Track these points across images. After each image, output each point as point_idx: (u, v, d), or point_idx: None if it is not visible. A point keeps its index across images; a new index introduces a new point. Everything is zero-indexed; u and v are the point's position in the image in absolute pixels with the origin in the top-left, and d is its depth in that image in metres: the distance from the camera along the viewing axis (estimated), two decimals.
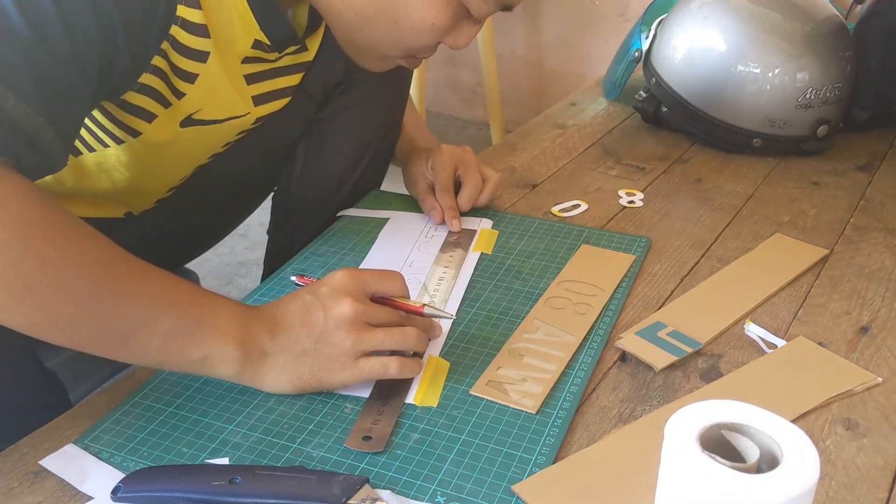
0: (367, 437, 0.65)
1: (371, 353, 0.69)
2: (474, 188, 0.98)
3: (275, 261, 1.18)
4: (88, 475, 0.61)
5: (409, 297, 0.73)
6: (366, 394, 0.70)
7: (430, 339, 0.75)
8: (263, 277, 1.21)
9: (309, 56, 0.89)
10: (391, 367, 0.68)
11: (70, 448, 0.64)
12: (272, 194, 1.11)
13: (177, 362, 0.65)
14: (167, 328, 0.63)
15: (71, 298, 0.59)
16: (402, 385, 0.71)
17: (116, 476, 0.61)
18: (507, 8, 0.77)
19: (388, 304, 0.71)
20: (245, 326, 0.66)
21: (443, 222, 0.96)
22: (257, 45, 0.79)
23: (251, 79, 0.83)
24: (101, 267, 0.61)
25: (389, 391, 0.70)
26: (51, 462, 0.62)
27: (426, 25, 0.74)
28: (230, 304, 0.68)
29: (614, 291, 0.85)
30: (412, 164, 1.02)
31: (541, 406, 0.69)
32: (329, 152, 1.02)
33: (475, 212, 1.00)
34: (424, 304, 0.71)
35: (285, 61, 0.86)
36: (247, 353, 0.66)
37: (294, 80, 0.90)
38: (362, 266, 0.89)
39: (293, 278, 0.81)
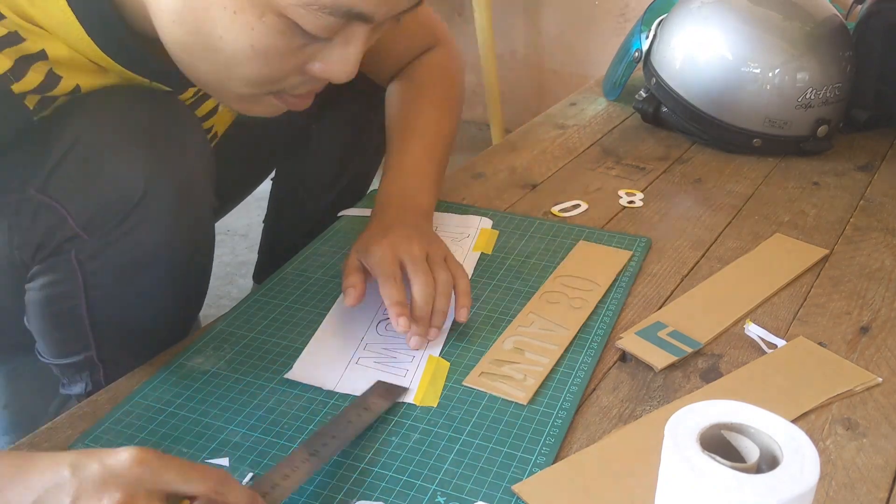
0: (265, 494, 0.56)
1: None
2: (423, 294, 0.75)
3: (270, 252, 1.18)
4: None
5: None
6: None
7: None
8: (256, 268, 1.21)
9: None
10: None
11: None
12: (271, 185, 1.12)
13: None
14: None
15: None
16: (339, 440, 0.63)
17: None
18: (363, 18, 0.62)
19: None
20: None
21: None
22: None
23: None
24: None
25: (321, 446, 0.62)
26: None
27: (244, 48, 0.62)
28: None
29: (610, 286, 0.85)
30: (360, 239, 0.81)
31: (532, 397, 0.69)
32: (332, 144, 1.01)
33: (475, 211, 1.00)
34: None
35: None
36: None
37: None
38: None
39: None
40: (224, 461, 0.63)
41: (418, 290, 0.75)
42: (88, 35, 0.66)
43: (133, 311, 0.76)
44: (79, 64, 0.68)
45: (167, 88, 0.76)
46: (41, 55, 0.65)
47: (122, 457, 0.48)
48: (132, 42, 0.68)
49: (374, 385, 0.70)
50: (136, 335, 0.78)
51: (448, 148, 0.94)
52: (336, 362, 0.74)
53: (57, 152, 0.68)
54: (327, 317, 0.81)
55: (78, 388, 0.79)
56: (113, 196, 0.68)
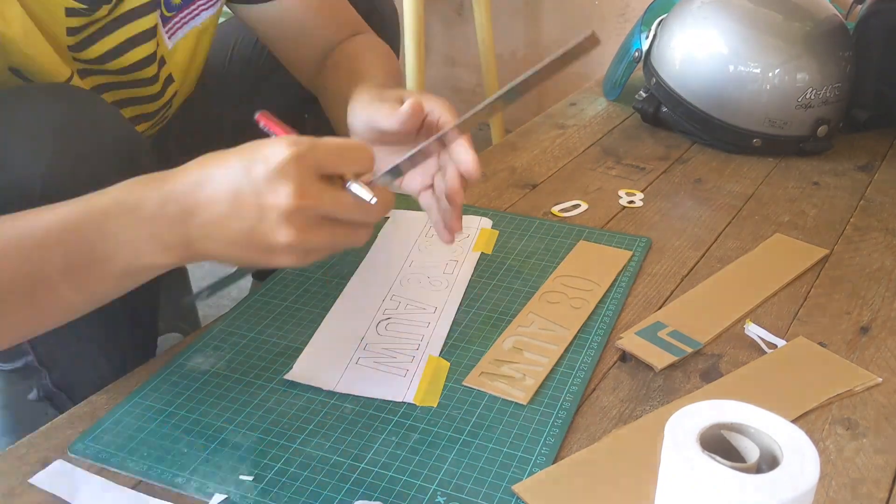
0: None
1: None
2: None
3: None
4: (79, 490, 0.61)
5: (373, 173, 0.62)
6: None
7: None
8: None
9: None
10: (345, 245, 0.60)
11: (59, 465, 0.63)
12: None
13: (107, 288, 0.59)
14: (61, 270, 0.56)
15: None
16: None
17: (107, 487, 0.61)
18: None
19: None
20: (152, 218, 0.56)
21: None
22: (72, 12, 0.73)
23: (84, 44, 0.77)
24: None
25: None
26: (41, 479, 0.61)
27: None
28: (121, 199, 0.57)
29: (610, 286, 0.85)
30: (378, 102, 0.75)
31: (532, 397, 0.69)
32: (323, 130, 1.01)
33: (475, 211, 1.00)
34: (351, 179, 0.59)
35: (122, 8, 0.78)
36: (165, 243, 0.57)
37: (146, 22, 0.81)
38: (362, 266, 0.89)
39: (258, 119, 0.67)
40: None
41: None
42: None
43: None
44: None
45: (82, 8, 0.73)
46: None
47: (280, 155, 0.54)
48: None
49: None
50: (75, 338, 0.74)
51: (400, 75, 0.91)
52: (336, 362, 0.74)
53: None
54: (327, 317, 0.81)
55: (33, 394, 0.77)
56: (11, 193, 0.66)
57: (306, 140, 0.56)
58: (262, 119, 0.66)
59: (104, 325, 0.76)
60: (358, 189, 0.58)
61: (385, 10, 1.08)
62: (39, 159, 0.67)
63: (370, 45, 0.93)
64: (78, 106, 0.72)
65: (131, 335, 0.77)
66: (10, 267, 0.55)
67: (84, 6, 0.74)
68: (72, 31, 0.76)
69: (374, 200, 0.58)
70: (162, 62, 0.87)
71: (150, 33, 0.83)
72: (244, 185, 0.55)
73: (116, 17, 0.79)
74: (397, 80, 0.88)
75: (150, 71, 0.85)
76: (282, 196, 0.54)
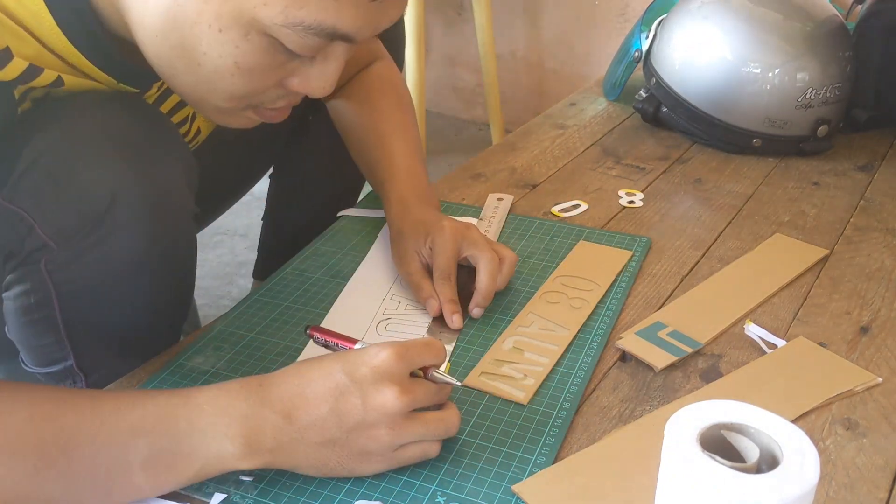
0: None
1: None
2: (491, 269, 0.80)
3: (271, 245, 1.18)
4: None
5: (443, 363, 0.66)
6: None
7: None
8: (257, 263, 1.21)
9: None
10: (431, 453, 0.62)
11: None
12: (269, 181, 1.12)
13: (179, 482, 0.58)
14: (143, 460, 0.56)
15: (15, 484, 0.53)
16: None
17: None
18: (346, 38, 0.63)
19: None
20: (245, 418, 0.57)
21: (439, 315, 0.80)
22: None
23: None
24: (36, 430, 0.54)
25: None
26: None
27: (228, 65, 0.62)
28: (216, 396, 0.58)
29: (610, 286, 0.85)
30: (405, 239, 0.84)
31: (532, 397, 0.69)
32: (328, 135, 1.02)
33: (475, 211, 1.00)
34: (431, 369, 0.63)
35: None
36: (253, 447, 0.57)
37: None
38: (362, 266, 0.89)
39: (311, 333, 0.69)
40: None
41: (486, 275, 0.80)
42: (59, 26, 0.65)
43: (110, 321, 0.75)
44: (47, 62, 0.67)
45: (134, 90, 0.75)
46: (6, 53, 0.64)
47: (381, 357, 0.58)
48: (104, 38, 0.67)
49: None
50: (116, 345, 0.76)
51: (420, 143, 0.96)
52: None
53: (25, 160, 0.67)
54: (327, 317, 0.81)
55: None
56: (80, 207, 0.68)
57: (397, 343, 0.60)
58: (317, 332, 0.69)
59: (141, 334, 0.77)
60: (442, 376, 0.62)
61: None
62: (108, 174, 0.68)
63: (385, 85, 0.97)
64: (141, 117, 0.73)
65: (163, 345, 0.78)
66: (94, 451, 0.55)
67: (136, 90, 0.75)
68: None
69: (458, 383, 0.63)
70: (193, 117, 0.89)
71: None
72: (348, 387, 0.58)
73: (163, 92, 0.81)
74: (416, 138, 0.96)
75: (185, 128, 0.88)
76: (388, 396, 0.57)
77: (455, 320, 0.78)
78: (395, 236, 0.87)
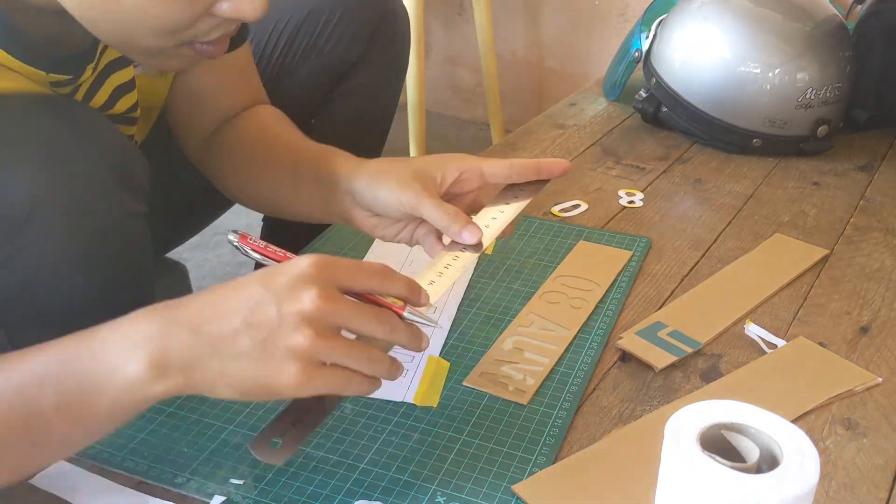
0: (274, 443, 0.57)
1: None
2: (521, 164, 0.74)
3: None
4: (79, 490, 0.61)
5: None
6: None
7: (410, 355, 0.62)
8: (256, 264, 1.20)
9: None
10: (352, 384, 0.56)
11: (59, 465, 0.63)
12: None
13: (100, 419, 0.54)
14: (55, 405, 0.53)
15: None
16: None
17: (107, 487, 0.61)
18: None
19: (365, 299, 0.58)
20: (150, 339, 0.53)
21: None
22: (58, 84, 0.72)
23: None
24: None
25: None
26: (41, 479, 0.61)
27: None
28: (119, 324, 0.55)
29: (610, 287, 0.85)
30: (394, 170, 0.74)
31: (532, 397, 0.70)
32: (330, 140, 1.01)
33: None
34: (406, 307, 0.58)
35: (101, 63, 0.77)
36: (161, 367, 0.53)
37: (126, 74, 0.80)
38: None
39: (232, 237, 0.63)
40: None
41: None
42: None
43: (51, 328, 0.71)
44: None
45: (67, 76, 0.72)
46: None
47: (302, 264, 0.54)
48: (21, 28, 0.65)
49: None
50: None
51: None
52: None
53: None
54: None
55: None
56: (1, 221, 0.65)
57: (326, 256, 0.56)
58: (245, 241, 0.63)
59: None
60: (413, 315, 0.57)
61: (398, 12, 1.07)
62: (26, 180, 0.65)
63: (276, 116, 0.90)
64: (68, 118, 0.70)
65: None
66: (4, 406, 0.52)
67: (68, 77, 0.73)
68: None
69: (433, 324, 0.59)
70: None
71: (131, 84, 0.82)
72: (263, 296, 0.54)
73: (99, 74, 0.78)
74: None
75: (136, 114, 0.85)
76: (305, 299, 0.53)
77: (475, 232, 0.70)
78: (370, 177, 0.74)
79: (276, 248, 0.62)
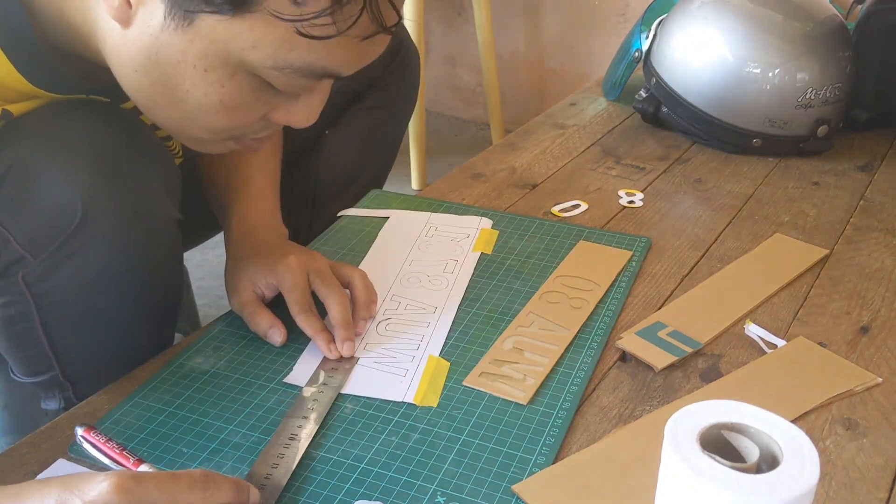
0: (262, 486, 0.59)
1: None
2: (341, 300, 0.76)
3: None
4: None
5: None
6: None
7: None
8: None
9: None
10: None
11: (59, 465, 0.63)
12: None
13: None
14: None
15: None
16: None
17: None
18: (334, 76, 0.62)
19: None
20: None
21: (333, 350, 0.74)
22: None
23: None
24: None
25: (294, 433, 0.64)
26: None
27: (213, 103, 0.62)
28: None
29: (610, 286, 0.85)
30: (243, 266, 0.79)
31: (532, 397, 0.69)
32: (345, 150, 1.02)
33: (475, 211, 1.00)
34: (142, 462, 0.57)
35: None
36: None
37: None
38: (363, 263, 0.89)
39: (79, 430, 0.62)
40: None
41: (337, 308, 0.75)
42: (17, 71, 0.64)
43: (93, 330, 0.74)
44: (9, 96, 0.66)
45: (105, 100, 0.74)
46: None
47: (102, 487, 0.48)
48: (66, 71, 0.67)
49: (323, 360, 0.74)
50: (102, 354, 0.75)
51: (278, 176, 0.93)
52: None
53: None
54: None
55: (53, 405, 0.77)
56: (51, 218, 0.67)
57: (140, 473, 0.50)
58: (87, 436, 0.61)
59: (128, 341, 0.76)
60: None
61: (410, 46, 1.11)
62: (80, 184, 0.66)
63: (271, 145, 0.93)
64: (116, 124, 0.72)
65: (154, 349, 0.77)
66: None
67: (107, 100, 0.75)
68: None
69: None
70: None
71: None
72: None
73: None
74: (274, 170, 0.92)
75: (172, 143, 0.87)
76: None
77: (344, 349, 0.73)
78: (231, 264, 0.81)
79: (117, 445, 0.60)
